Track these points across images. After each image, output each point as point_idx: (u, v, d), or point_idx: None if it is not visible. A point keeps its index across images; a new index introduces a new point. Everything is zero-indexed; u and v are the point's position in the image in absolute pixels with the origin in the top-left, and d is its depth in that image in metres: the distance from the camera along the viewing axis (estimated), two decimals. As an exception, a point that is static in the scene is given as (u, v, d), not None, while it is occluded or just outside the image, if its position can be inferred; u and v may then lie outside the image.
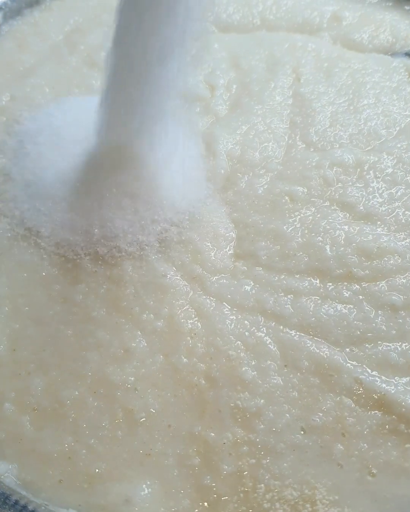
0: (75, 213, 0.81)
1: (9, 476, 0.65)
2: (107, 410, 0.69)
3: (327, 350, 0.72)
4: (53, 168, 0.86)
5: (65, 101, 0.98)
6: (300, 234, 0.82)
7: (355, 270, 0.78)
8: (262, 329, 0.74)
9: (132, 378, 0.70)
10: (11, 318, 0.75)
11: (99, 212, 0.81)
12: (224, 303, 0.76)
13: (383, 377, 0.71)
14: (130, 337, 0.73)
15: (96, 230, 0.80)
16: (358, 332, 0.73)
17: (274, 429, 0.67)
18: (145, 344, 0.73)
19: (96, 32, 1.12)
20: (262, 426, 0.67)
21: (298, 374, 0.71)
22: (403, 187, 0.88)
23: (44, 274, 0.79)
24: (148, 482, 0.65)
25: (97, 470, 0.65)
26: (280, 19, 1.14)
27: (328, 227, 0.83)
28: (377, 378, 0.70)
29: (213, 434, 0.67)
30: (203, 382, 0.70)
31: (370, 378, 0.70)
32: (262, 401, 0.69)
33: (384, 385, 0.70)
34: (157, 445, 0.67)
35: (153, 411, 0.68)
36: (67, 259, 0.80)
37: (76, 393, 0.69)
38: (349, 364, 0.71)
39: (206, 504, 0.64)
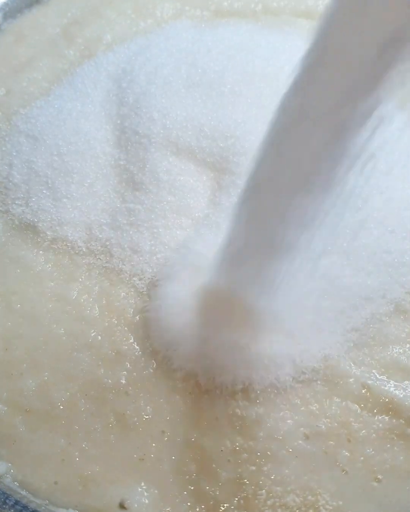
0: (79, 210, 0.84)
1: (8, 476, 0.68)
2: (98, 413, 0.70)
3: (333, 354, 0.74)
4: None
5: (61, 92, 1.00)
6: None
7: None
8: (263, 335, 0.74)
9: (123, 381, 0.72)
10: (3, 316, 0.77)
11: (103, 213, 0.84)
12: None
13: (392, 381, 0.72)
14: (122, 338, 0.75)
15: (97, 231, 0.83)
16: (366, 336, 0.75)
17: (275, 436, 0.68)
18: (138, 347, 0.74)
19: (94, 25, 1.14)
20: (262, 433, 0.68)
21: (301, 379, 0.72)
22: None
23: (38, 270, 0.81)
24: (143, 486, 0.66)
25: (90, 473, 0.67)
26: (283, 7, 1.16)
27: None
28: (385, 382, 0.72)
29: (210, 442, 0.68)
30: (199, 389, 0.71)
31: (378, 382, 0.72)
32: (262, 408, 0.70)
33: (392, 389, 0.71)
34: (152, 451, 0.68)
35: (147, 416, 0.70)
36: (63, 255, 0.82)
37: (68, 394, 0.71)
38: (356, 369, 0.73)
39: (204, 509, 0.65)
